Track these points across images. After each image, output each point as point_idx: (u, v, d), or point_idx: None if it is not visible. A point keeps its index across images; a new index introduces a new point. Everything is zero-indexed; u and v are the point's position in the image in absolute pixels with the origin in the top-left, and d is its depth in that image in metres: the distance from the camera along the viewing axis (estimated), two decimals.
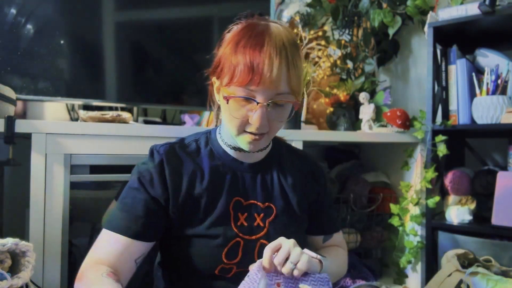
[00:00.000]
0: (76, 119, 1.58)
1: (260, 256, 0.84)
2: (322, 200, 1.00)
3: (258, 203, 0.88)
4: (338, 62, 1.95)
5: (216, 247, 0.83)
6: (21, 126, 1.03)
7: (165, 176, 0.83)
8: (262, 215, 0.88)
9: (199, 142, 0.91)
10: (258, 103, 0.77)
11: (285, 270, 0.75)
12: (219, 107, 0.88)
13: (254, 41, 0.76)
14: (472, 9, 1.53)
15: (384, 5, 1.82)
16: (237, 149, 0.88)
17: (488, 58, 1.63)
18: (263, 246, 0.84)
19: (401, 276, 1.80)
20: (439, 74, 1.66)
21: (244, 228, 0.85)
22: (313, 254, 0.83)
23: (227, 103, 0.78)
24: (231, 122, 0.81)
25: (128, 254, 0.80)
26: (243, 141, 0.82)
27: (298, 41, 0.93)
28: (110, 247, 0.79)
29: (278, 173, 0.92)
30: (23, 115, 1.43)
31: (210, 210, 0.85)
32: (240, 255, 0.84)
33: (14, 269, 0.84)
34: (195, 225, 0.84)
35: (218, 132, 0.92)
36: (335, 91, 1.87)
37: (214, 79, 0.85)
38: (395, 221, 1.71)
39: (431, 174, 1.60)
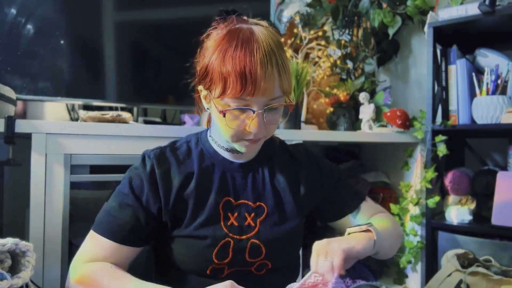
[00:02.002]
0: (76, 119, 1.58)
1: (251, 255, 0.84)
2: (328, 182, 0.97)
3: (249, 203, 0.88)
4: (338, 62, 1.95)
5: (206, 248, 0.82)
6: (21, 126, 1.03)
7: (156, 181, 0.84)
8: (253, 214, 0.87)
9: (190, 143, 0.91)
10: (254, 111, 0.77)
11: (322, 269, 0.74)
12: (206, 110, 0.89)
13: (242, 49, 0.75)
14: (472, 9, 1.53)
15: (384, 5, 1.82)
16: (231, 150, 0.89)
17: (488, 58, 1.63)
18: (254, 246, 0.85)
19: (401, 276, 1.80)
20: (439, 74, 1.66)
21: (234, 228, 0.85)
22: (356, 229, 0.82)
23: (224, 116, 0.78)
24: (227, 132, 0.81)
25: (118, 258, 0.82)
26: (240, 146, 0.84)
27: (282, 40, 0.93)
28: (99, 251, 0.81)
29: (270, 172, 0.92)
30: (23, 115, 1.43)
31: (200, 211, 0.84)
32: (231, 255, 0.84)
33: (14, 269, 0.84)
34: (185, 226, 0.84)
35: (209, 134, 0.92)
36: (335, 91, 1.87)
37: (200, 87, 0.85)
38: None
39: (431, 174, 1.60)
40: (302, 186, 0.94)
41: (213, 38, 0.81)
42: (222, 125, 0.81)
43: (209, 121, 0.96)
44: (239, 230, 0.85)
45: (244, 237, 0.85)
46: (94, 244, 0.82)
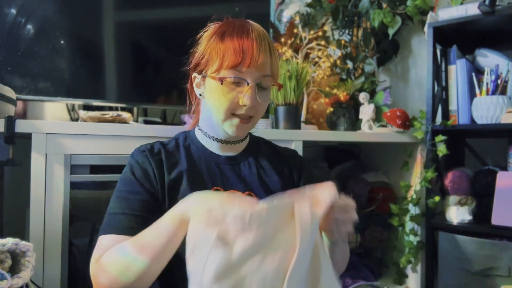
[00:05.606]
0: (76, 119, 1.58)
1: None
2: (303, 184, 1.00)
3: (239, 192, 0.89)
4: (338, 62, 1.95)
5: None
6: (21, 126, 1.03)
7: (152, 169, 0.86)
8: None
9: (178, 140, 0.95)
10: (248, 84, 0.83)
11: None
12: (197, 105, 0.94)
13: (239, 30, 0.84)
14: (472, 9, 1.53)
15: (384, 5, 1.82)
16: (220, 140, 0.92)
17: (488, 58, 1.64)
18: None
19: (401, 276, 1.80)
20: (439, 74, 1.66)
21: None
22: None
23: (221, 84, 0.83)
24: (221, 105, 0.84)
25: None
26: (230, 126, 0.86)
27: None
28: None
29: (256, 164, 0.95)
30: (23, 115, 1.43)
31: None
32: None
33: (14, 269, 0.84)
34: None
35: (198, 128, 0.96)
36: (335, 91, 1.87)
37: (195, 74, 0.90)
38: (395, 221, 1.71)
39: (431, 174, 1.60)
40: (285, 178, 0.97)
41: (210, 30, 0.89)
42: (217, 99, 0.84)
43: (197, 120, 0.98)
44: None
45: None
46: (109, 245, 0.78)
